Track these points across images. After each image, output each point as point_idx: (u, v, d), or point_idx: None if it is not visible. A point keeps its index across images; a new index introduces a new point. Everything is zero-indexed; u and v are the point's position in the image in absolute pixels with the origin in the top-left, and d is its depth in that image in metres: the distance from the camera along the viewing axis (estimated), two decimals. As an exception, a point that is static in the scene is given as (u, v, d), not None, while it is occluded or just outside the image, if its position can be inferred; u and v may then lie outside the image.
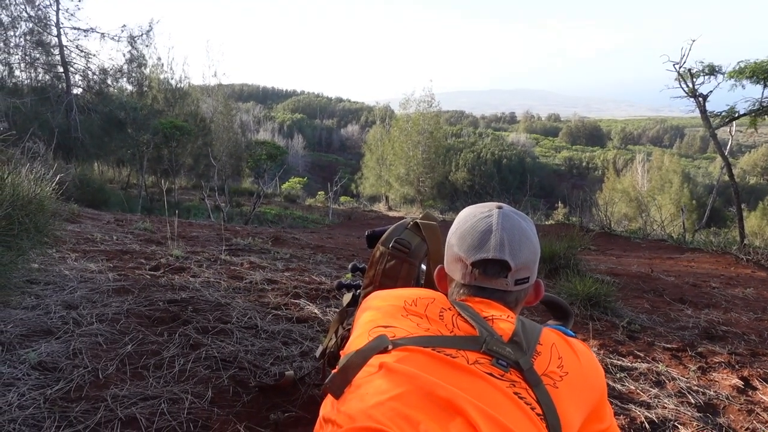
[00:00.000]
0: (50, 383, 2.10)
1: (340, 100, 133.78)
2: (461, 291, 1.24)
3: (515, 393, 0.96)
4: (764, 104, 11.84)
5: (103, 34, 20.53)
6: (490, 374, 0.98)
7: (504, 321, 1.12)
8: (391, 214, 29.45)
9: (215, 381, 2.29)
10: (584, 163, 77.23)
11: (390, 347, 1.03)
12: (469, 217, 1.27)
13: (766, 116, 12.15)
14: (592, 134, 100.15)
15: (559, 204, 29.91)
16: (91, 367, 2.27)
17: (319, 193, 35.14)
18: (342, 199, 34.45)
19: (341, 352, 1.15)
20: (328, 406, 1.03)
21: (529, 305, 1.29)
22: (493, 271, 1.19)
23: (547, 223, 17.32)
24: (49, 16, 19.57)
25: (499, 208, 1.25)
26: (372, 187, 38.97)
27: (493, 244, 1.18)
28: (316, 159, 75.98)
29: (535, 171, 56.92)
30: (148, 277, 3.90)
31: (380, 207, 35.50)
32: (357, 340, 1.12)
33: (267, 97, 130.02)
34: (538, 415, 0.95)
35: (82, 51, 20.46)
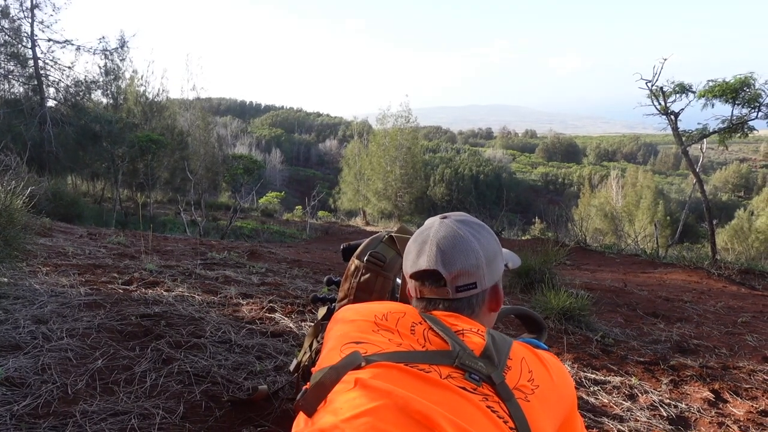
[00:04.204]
0: (18, 399, 2.05)
1: (318, 114, 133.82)
2: (418, 305, 1.26)
3: (488, 407, 0.96)
4: (734, 122, 12.12)
5: (78, 46, 20.34)
6: (463, 388, 0.98)
7: (474, 335, 1.12)
8: (369, 228, 29.41)
9: (187, 396, 2.26)
10: (560, 179, 78.01)
11: (363, 363, 1.02)
12: (416, 234, 1.30)
13: (734, 134, 12.43)
14: (568, 150, 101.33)
15: (536, 219, 30.18)
16: (60, 382, 2.22)
17: (297, 207, 35.01)
18: (320, 213, 34.36)
19: (313, 369, 1.14)
20: (300, 423, 1.02)
21: (494, 312, 1.30)
22: (430, 282, 1.22)
23: (523, 237, 17.46)
24: (23, 28, 19.35)
25: (443, 218, 1.28)
26: (350, 202, 38.88)
27: (426, 255, 1.21)
28: (294, 173, 75.85)
29: (512, 186, 57.32)
30: (120, 291, 3.85)
31: (358, 222, 35.42)
32: (329, 355, 1.11)
33: (245, 112, 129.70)
34: (511, 429, 0.95)
35: (56, 63, 20.23)
